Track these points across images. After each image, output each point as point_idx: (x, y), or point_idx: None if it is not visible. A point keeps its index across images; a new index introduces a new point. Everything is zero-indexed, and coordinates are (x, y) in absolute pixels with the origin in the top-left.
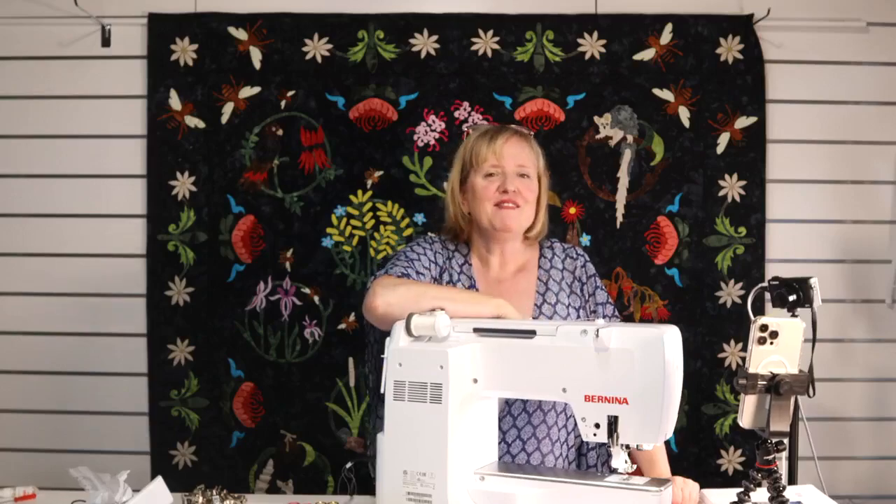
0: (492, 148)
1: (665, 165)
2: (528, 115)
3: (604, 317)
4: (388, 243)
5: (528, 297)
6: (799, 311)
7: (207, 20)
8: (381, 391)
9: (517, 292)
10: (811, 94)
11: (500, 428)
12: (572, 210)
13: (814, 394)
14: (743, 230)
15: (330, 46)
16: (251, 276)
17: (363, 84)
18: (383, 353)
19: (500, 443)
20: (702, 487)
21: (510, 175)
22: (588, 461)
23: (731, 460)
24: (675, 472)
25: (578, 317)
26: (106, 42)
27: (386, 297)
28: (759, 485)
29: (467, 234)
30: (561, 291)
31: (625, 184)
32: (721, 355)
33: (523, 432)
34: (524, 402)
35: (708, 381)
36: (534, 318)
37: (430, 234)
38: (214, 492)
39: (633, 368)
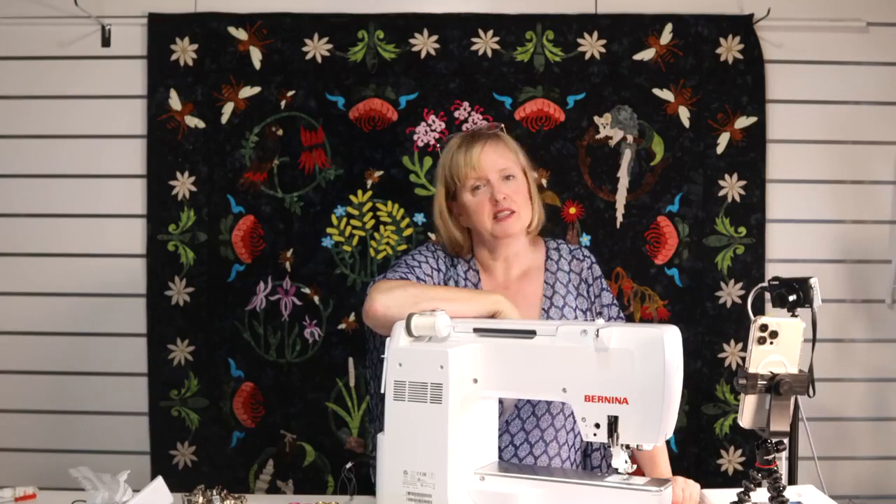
0: (469, 162)
1: (665, 165)
2: (528, 115)
3: (609, 318)
4: (388, 243)
5: (536, 300)
6: (799, 311)
7: (207, 20)
8: (382, 391)
9: (524, 296)
10: (811, 94)
11: (508, 431)
12: (572, 210)
13: (814, 394)
14: (743, 230)
15: (330, 46)
16: (251, 276)
17: (363, 84)
18: (384, 353)
19: (508, 445)
20: (702, 487)
21: (496, 183)
22: (592, 462)
23: (731, 460)
24: (675, 472)
25: (586, 319)
26: (106, 42)
27: (384, 300)
28: (759, 485)
29: (466, 248)
30: (568, 294)
31: (625, 184)
32: (721, 355)
33: (531, 435)
34: (533, 405)
35: (708, 381)
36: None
37: (433, 239)
38: (214, 492)
39: (633, 368)
